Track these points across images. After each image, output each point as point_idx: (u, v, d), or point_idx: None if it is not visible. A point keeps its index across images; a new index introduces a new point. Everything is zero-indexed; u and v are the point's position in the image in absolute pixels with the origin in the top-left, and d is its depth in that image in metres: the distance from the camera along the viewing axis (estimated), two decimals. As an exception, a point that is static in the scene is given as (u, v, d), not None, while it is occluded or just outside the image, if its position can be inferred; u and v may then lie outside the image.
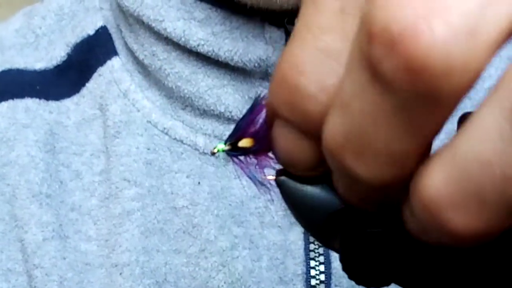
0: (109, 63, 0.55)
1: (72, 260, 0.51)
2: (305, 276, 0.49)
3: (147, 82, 0.54)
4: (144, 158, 0.52)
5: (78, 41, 0.56)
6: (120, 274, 0.50)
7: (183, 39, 0.50)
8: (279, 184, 0.26)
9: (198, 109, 0.52)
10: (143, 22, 0.52)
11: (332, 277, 0.49)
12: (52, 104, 0.55)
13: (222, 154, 0.29)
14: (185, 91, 0.51)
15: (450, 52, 0.19)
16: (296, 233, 0.50)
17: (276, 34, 0.49)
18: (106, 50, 0.55)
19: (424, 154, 0.21)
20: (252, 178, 0.29)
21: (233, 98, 0.51)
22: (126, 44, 0.55)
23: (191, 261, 0.50)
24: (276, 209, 0.50)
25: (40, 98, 0.55)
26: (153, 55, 0.52)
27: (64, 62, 0.56)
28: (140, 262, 0.50)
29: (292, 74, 0.23)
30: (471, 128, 0.20)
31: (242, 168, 0.29)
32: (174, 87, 0.52)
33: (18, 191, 0.52)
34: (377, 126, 0.20)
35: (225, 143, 0.29)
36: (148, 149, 0.52)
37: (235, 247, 0.50)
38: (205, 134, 0.52)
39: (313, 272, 0.49)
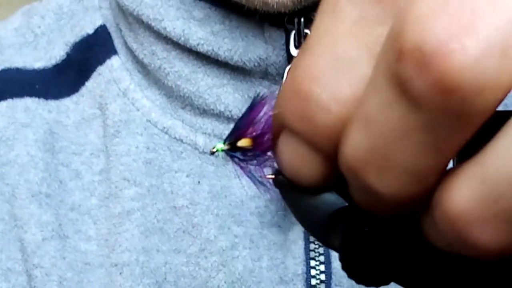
0: (108, 62, 0.55)
1: (72, 260, 0.51)
2: (305, 275, 0.49)
3: (147, 81, 0.54)
4: (143, 157, 0.52)
5: (77, 40, 0.56)
6: (120, 273, 0.50)
7: (182, 38, 0.50)
8: (278, 183, 0.26)
9: (197, 108, 0.51)
10: (142, 21, 0.52)
11: (333, 276, 0.49)
12: (52, 103, 0.55)
13: (221, 153, 0.29)
14: (185, 90, 0.51)
15: (483, 71, 0.18)
16: (296, 233, 0.50)
17: (275, 33, 0.49)
18: (105, 49, 0.55)
19: (445, 169, 0.21)
20: (251, 178, 0.29)
21: (232, 97, 0.51)
22: (125, 43, 0.54)
23: (191, 261, 0.50)
24: (276, 209, 0.50)
25: (39, 97, 0.55)
26: (153, 54, 0.52)
27: (63, 61, 0.56)
28: (140, 262, 0.50)
29: (304, 82, 0.22)
30: (502, 144, 0.19)
31: (241, 168, 0.29)
32: (173, 86, 0.51)
33: (18, 191, 0.52)
34: (402, 143, 0.20)
35: (224, 143, 0.29)
36: (148, 148, 0.52)
37: (235, 246, 0.50)
38: (205, 133, 0.52)
39: (313, 272, 0.49)
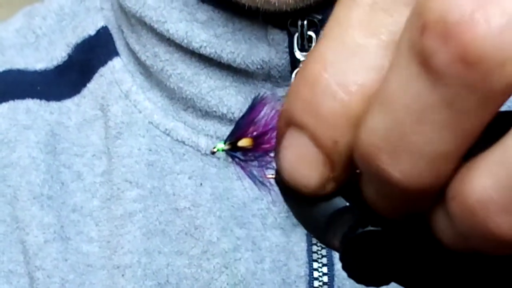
0: (110, 63, 0.55)
1: (74, 262, 0.51)
2: (308, 278, 0.49)
3: (149, 83, 0.54)
4: (146, 159, 0.52)
5: (79, 41, 0.56)
6: (122, 275, 0.50)
7: (185, 40, 0.50)
8: (278, 183, 0.26)
9: (200, 110, 0.51)
10: (145, 23, 0.52)
11: (335, 278, 0.49)
12: (53, 104, 0.55)
13: (224, 155, 0.29)
14: (187, 92, 0.51)
15: (505, 42, 0.19)
16: (299, 235, 0.50)
17: (279, 36, 0.49)
18: (107, 51, 0.55)
19: (461, 158, 0.21)
20: (252, 178, 0.29)
21: (235, 100, 0.50)
22: (127, 44, 0.54)
23: (193, 263, 0.50)
24: (279, 211, 0.50)
25: (41, 98, 0.55)
26: (155, 56, 0.52)
27: (65, 62, 0.56)
28: (142, 264, 0.50)
29: (314, 68, 0.22)
30: None
31: (241, 168, 0.29)
32: (176, 88, 0.51)
33: (19, 193, 0.52)
34: (421, 124, 0.20)
35: (224, 143, 0.29)
36: (150, 150, 0.52)
37: (238, 248, 0.50)
38: (207, 135, 0.52)
39: (316, 274, 0.49)
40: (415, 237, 0.23)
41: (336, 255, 0.49)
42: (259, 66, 0.49)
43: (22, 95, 0.55)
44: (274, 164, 0.27)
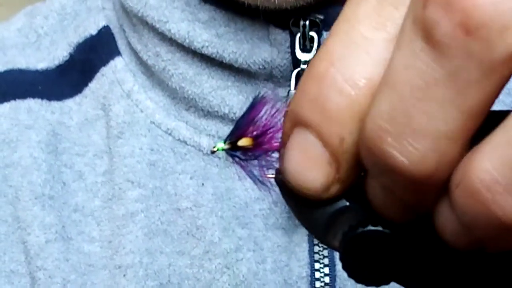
0: (112, 63, 0.55)
1: (75, 262, 0.51)
2: (309, 278, 0.49)
3: (151, 83, 0.54)
4: (147, 159, 0.52)
5: (80, 41, 0.56)
6: (124, 275, 0.50)
7: (187, 40, 0.50)
8: (279, 183, 0.26)
9: (202, 110, 0.51)
10: (147, 23, 0.52)
11: (337, 279, 0.49)
12: (55, 104, 0.55)
13: (225, 155, 0.29)
14: (189, 92, 0.51)
15: (505, 9, 0.19)
16: (300, 235, 0.50)
17: (280, 36, 0.49)
18: (108, 50, 0.55)
19: (467, 144, 0.21)
20: (252, 177, 0.28)
21: (237, 99, 0.50)
22: (129, 44, 0.54)
23: (195, 263, 0.50)
24: (281, 211, 0.50)
25: (42, 98, 0.55)
26: (157, 55, 0.52)
27: (67, 62, 0.56)
28: (143, 264, 0.50)
29: (321, 64, 0.22)
30: None
31: (242, 167, 0.28)
32: (178, 88, 0.51)
33: (21, 193, 0.52)
34: (426, 101, 0.20)
35: (224, 142, 0.29)
36: (152, 150, 0.52)
37: (239, 249, 0.50)
38: (209, 135, 0.52)
39: (317, 275, 0.49)
40: (415, 237, 0.23)
41: (337, 256, 0.49)
42: (261, 66, 0.49)
43: (23, 95, 0.55)
44: (274, 164, 0.27)
